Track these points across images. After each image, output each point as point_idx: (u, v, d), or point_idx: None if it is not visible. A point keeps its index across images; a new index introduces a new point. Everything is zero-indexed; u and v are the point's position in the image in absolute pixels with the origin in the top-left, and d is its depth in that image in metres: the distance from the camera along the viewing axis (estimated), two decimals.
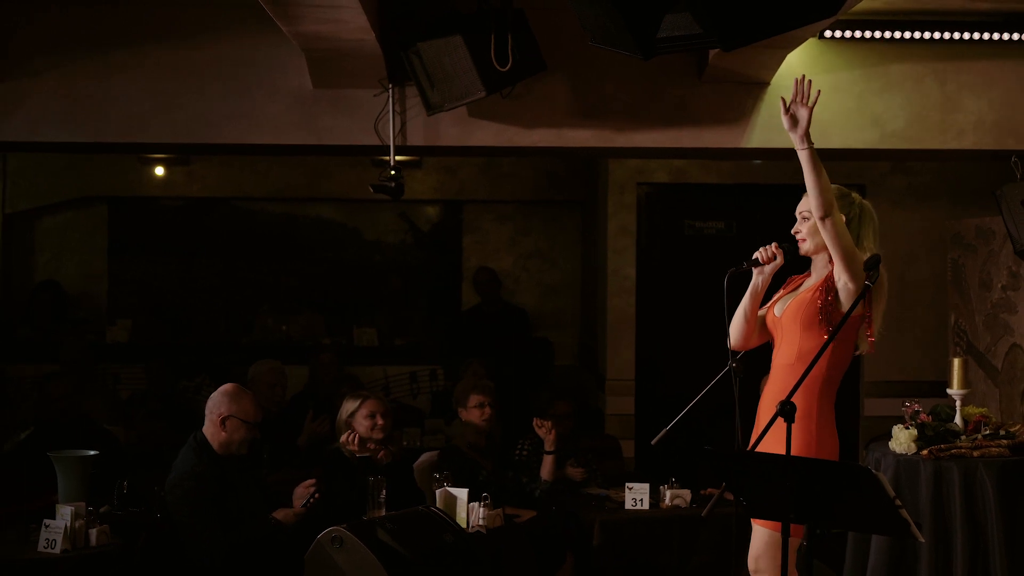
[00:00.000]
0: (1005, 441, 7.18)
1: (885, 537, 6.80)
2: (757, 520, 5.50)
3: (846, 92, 7.65)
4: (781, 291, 5.67)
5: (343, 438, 7.35)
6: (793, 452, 5.06)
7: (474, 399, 8.05)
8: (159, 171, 11.91)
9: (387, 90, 7.47)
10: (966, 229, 9.19)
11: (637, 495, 7.74)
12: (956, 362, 7.37)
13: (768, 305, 5.65)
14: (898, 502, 4.51)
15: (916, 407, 7.30)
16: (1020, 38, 7.53)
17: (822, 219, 5.26)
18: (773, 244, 5.55)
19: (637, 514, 7.67)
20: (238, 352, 11.02)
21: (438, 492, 7.17)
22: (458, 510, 7.08)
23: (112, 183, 11.97)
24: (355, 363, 10.69)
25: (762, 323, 5.67)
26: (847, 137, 7.67)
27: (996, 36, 7.52)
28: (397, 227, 12.39)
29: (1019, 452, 7.16)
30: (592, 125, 7.62)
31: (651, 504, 7.74)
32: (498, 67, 6.70)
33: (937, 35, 7.55)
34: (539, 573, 7.42)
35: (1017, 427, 7.46)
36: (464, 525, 6.97)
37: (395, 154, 7.52)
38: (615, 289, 10.37)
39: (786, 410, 4.98)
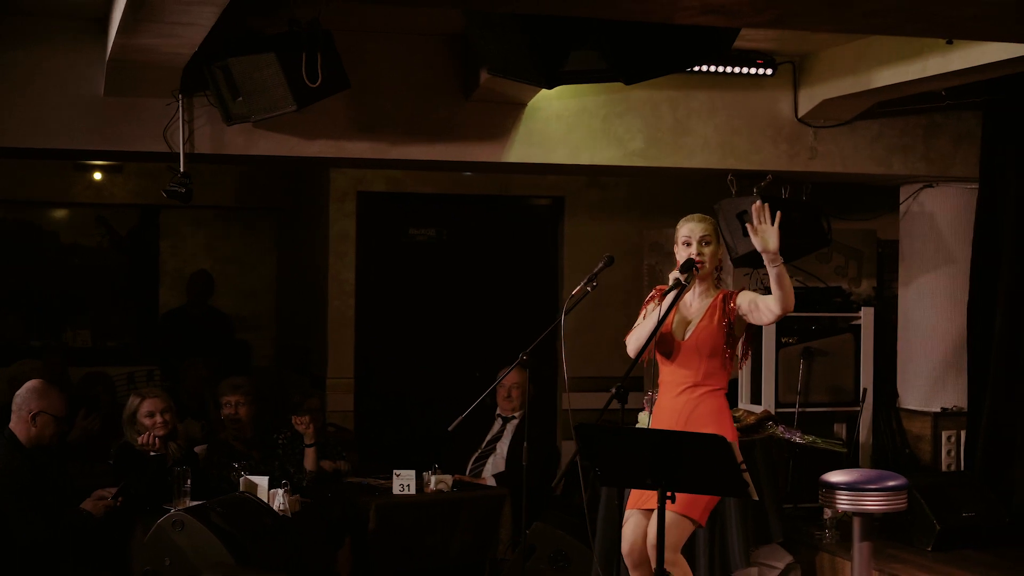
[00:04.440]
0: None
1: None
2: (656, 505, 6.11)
3: (593, 115, 8.48)
4: (656, 303, 6.36)
5: (141, 439, 7.68)
6: None
7: (224, 398, 8.47)
8: None
9: (177, 100, 7.84)
10: (667, 238, 10.21)
11: (404, 481, 8.36)
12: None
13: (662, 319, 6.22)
14: (743, 466, 5.38)
15: (653, 395, 8.24)
16: (738, 71, 8.55)
17: (783, 315, 6.06)
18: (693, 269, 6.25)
19: (407, 499, 8.30)
20: None
21: (241, 480, 7.63)
22: (259, 496, 7.56)
23: None
24: (72, 364, 10.80)
25: None
26: (594, 155, 8.50)
27: (720, 69, 8.50)
28: (94, 231, 12.51)
29: (747, 434, 8.23)
30: (369, 139, 8.18)
31: (417, 489, 8.39)
32: (308, 83, 7.19)
33: None
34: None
35: (740, 412, 8.54)
36: None
37: (185, 162, 7.89)
38: (336, 292, 10.90)
39: (621, 392, 5.84)
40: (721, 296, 6.38)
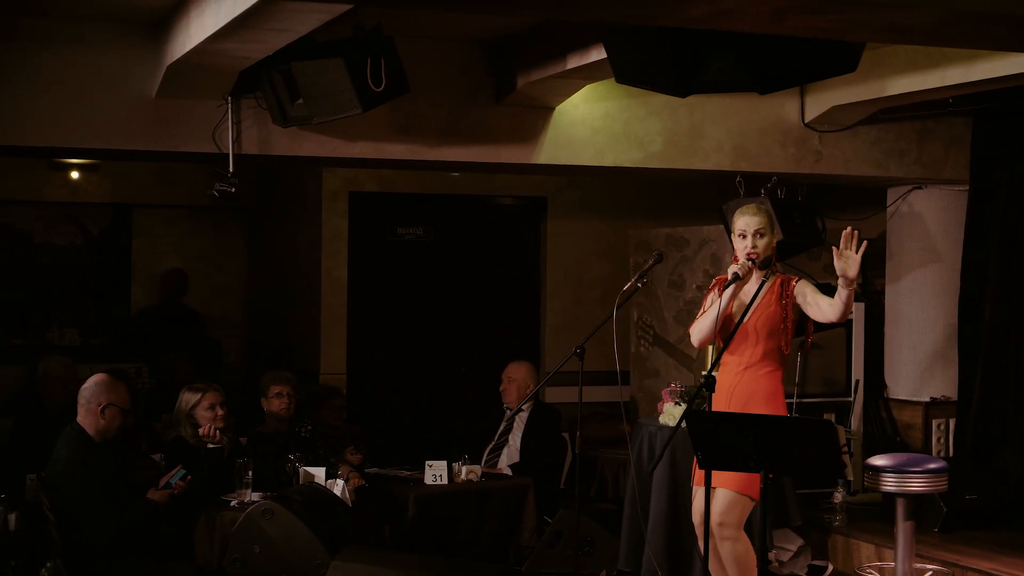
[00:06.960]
0: None
1: (664, 497, 8.04)
2: (717, 484, 6.51)
3: (615, 118, 8.85)
4: (716, 293, 6.74)
5: (202, 431, 7.87)
6: None
7: (274, 389, 8.66)
8: None
9: (227, 102, 8.04)
10: (655, 237, 10.59)
11: (437, 471, 8.65)
12: (710, 348, 8.76)
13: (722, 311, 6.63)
14: (845, 448, 5.79)
15: (677, 387, 8.65)
16: None
17: (835, 322, 6.55)
18: (748, 261, 6.61)
19: (442, 488, 8.60)
20: None
21: (301, 471, 7.86)
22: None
23: None
24: None
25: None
26: (617, 157, 8.87)
27: None
28: (66, 229, 12.53)
29: None
30: (407, 141, 8.46)
31: (448, 479, 8.68)
32: (373, 88, 7.45)
33: None
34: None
35: None
36: None
37: (233, 162, 8.09)
38: (328, 290, 11.10)
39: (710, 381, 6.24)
40: (780, 280, 6.77)
